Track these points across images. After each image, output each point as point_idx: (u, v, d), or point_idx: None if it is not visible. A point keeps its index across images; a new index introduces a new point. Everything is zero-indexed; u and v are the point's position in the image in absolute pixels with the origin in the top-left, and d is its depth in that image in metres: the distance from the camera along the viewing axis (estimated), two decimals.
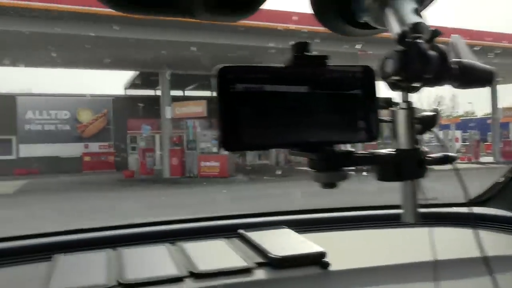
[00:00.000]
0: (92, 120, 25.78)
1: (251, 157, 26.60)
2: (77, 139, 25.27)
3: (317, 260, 0.99)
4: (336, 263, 0.99)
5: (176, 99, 19.51)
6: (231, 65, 0.56)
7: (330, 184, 0.63)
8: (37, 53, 17.08)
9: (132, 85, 26.09)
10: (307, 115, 0.59)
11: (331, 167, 0.62)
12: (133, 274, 0.91)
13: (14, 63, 20.67)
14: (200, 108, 18.04)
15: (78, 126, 25.49)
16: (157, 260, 0.99)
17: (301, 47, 0.60)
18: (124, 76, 26.54)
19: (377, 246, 1.20)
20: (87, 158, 25.02)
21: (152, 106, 23.94)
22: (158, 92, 24.41)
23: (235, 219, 1.32)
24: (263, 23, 15.24)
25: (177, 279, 0.90)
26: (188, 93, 27.10)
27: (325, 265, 0.98)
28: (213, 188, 15.31)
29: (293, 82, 0.59)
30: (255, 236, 1.12)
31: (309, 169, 0.65)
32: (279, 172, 19.64)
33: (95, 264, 0.97)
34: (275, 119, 0.57)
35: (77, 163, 24.59)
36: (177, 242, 1.12)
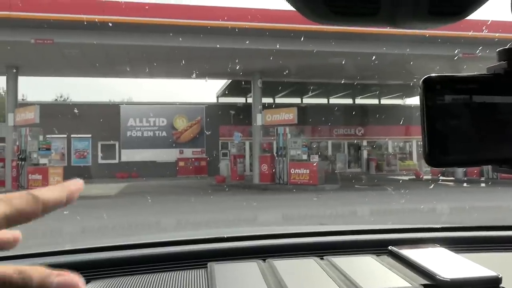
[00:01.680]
0: (187, 127, 27.00)
1: (341, 165, 26.13)
2: (172, 145, 26.60)
3: (492, 285, 0.88)
4: None
5: (266, 106, 19.77)
6: (437, 74, 0.51)
7: None
8: (138, 65, 18.26)
9: (224, 93, 26.93)
10: None
11: None
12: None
13: (117, 75, 22.34)
14: (290, 115, 18.06)
15: (174, 133, 26.83)
16: (312, 275, 0.96)
17: None
18: (217, 84, 27.45)
19: None
20: (181, 163, 26.22)
21: (242, 114, 24.54)
22: (249, 100, 24.96)
23: (380, 234, 1.24)
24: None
25: None
26: (279, 100, 27.36)
27: None
28: (302, 195, 15.23)
29: (505, 92, 0.54)
30: (409, 254, 1.04)
31: None
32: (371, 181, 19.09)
33: (252, 275, 0.96)
34: (485, 133, 0.52)
35: (172, 167, 25.87)
36: (325, 256, 1.07)
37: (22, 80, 19.14)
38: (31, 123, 17.04)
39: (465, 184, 18.56)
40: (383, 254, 1.09)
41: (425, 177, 22.51)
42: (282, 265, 1.00)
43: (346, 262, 1.01)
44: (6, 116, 17.75)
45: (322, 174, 17.78)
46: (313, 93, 27.09)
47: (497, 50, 0.54)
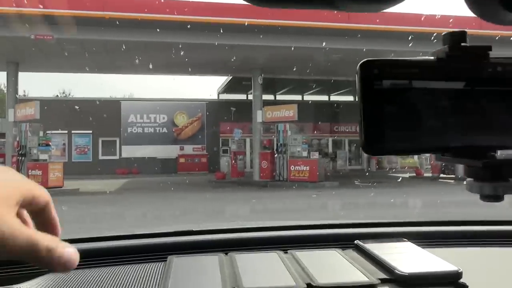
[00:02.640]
0: (188, 123, 27.00)
1: (342, 162, 26.12)
2: (173, 142, 26.61)
3: (452, 280, 0.86)
4: (473, 285, 0.86)
5: (267, 103, 19.76)
6: (375, 58, 0.49)
7: (494, 197, 0.54)
8: (138, 60, 18.26)
9: (225, 89, 26.91)
10: (464, 115, 0.51)
11: (498, 177, 0.53)
12: (249, 282, 0.86)
13: (118, 71, 22.33)
14: (291, 112, 18.05)
15: (175, 129, 26.83)
16: (270, 268, 0.94)
17: (457, 38, 0.52)
18: (218, 81, 27.44)
19: None
20: (182, 160, 26.23)
21: (243, 110, 24.52)
22: (250, 97, 24.94)
23: (348, 228, 1.23)
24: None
25: None
26: (280, 97, 27.34)
27: (463, 287, 0.85)
28: (302, 192, 15.23)
29: (447, 77, 0.51)
30: (374, 248, 1.02)
31: (468, 178, 0.56)
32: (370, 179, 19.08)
33: (209, 268, 0.94)
34: (425, 120, 0.50)
35: (173, 164, 25.88)
36: (289, 250, 1.06)
37: (24, 76, 19.17)
38: (31, 119, 17.06)
39: (465, 182, 18.50)
40: (349, 248, 1.08)
41: (425, 174, 22.48)
42: (243, 258, 0.99)
43: (309, 256, 1.00)
44: (7, 112, 17.79)
45: (322, 171, 17.77)
46: (314, 90, 27.06)
47: (442, 34, 0.52)
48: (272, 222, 1.27)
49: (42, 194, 0.45)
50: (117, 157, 26.11)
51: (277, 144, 18.30)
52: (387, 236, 1.13)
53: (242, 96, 27.54)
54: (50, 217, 0.46)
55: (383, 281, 0.87)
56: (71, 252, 0.42)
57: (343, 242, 1.11)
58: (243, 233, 1.19)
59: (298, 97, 27.77)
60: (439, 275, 0.88)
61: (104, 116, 24.13)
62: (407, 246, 1.06)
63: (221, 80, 26.52)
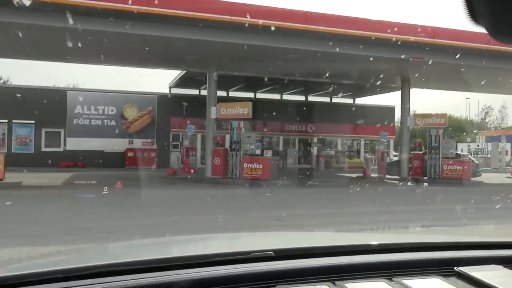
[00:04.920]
0: (137, 117, 26.31)
1: (292, 160, 26.45)
2: (121, 135, 25.85)
3: None
4: None
5: (220, 99, 19.62)
6: None
7: None
8: (87, 50, 17.52)
9: (177, 84, 26.46)
10: None
11: None
12: None
13: (65, 59, 21.32)
14: (245, 110, 18.01)
15: (123, 122, 26.06)
16: None
17: None
18: (170, 74, 26.93)
19: None
20: (130, 154, 25.52)
21: (195, 106, 24.24)
22: (203, 92, 24.67)
23: (441, 251, 1.16)
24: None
25: None
26: (232, 94, 27.24)
27: None
28: (256, 190, 15.28)
29: None
30: (479, 276, 0.98)
31: None
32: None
33: None
34: None
35: (121, 158, 25.14)
36: (395, 278, 0.99)
37: None
38: None
39: (409, 183, 19.33)
40: (450, 275, 1.04)
41: (372, 175, 23.23)
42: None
43: (416, 284, 0.96)
44: None
45: (275, 170, 17.91)
46: (267, 89, 27.20)
47: None
48: (317, 242, 1.19)
49: None
50: (61, 149, 24.99)
51: (230, 141, 18.22)
52: (479, 260, 1.08)
53: (194, 91, 27.20)
54: None
55: None
56: None
57: (441, 267, 1.06)
58: (288, 260, 1.06)
59: (250, 95, 27.80)
60: None
61: (48, 106, 23.00)
62: (508, 274, 1.02)
63: (173, 75, 26.03)
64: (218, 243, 1.57)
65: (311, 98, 29.88)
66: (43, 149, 24.68)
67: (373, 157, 26.44)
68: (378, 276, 1.00)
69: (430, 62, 16.26)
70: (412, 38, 15.81)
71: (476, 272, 1.02)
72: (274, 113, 25.31)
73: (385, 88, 25.90)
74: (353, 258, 1.09)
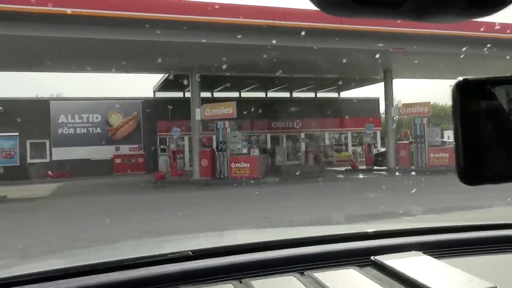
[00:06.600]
0: (123, 122, 26.14)
1: (280, 158, 26.46)
2: (108, 142, 25.65)
3: None
4: None
5: (205, 100, 19.55)
6: (473, 77, 0.44)
7: None
8: (68, 58, 17.36)
9: (161, 87, 26.32)
10: None
11: None
12: None
13: (45, 69, 21.11)
14: (230, 110, 17.97)
15: (109, 129, 25.87)
16: None
17: None
18: (153, 79, 26.77)
19: None
20: (117, 160, 25.36)
21: (181, 108, 24.09)
22: (187, 94, 24.54)
23: (357, 241, 1.16)
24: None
25: None
26: (217, 94, 27.18)
27: None
28: (245, 189, 15.26)
29: None
30: (393, 264, 0.96)
31: None
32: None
33: None
34: None
35: (108, 165, 24.96)
36: (307, 271, 0.98)
37: None
38: None
39: (397, 173, 19.43)
40: (366, 265, 1.02)
41: (360, 167, 23.33)
42: (261, 285, 0.91)
43: (329, 277, 0.93)
44: None
45: (263, 168, 17.91)
46: (251, 87, 27.17)
47: None
48: (278, 236, 1.18)
49: None
50: (47, 159, 24.74)
51: (217, 142, 18.18)
52: (400, 248, 1.07)
53: (179, 94, 27.08)
54: None
55: None
56: None
57: (357, 258, 1.05)
58: (252, 253, 1.06)
59: (235, 94, 27.74)
60: None
61: (31, 117, 22.76)
62: (426, 260, 1.01)
63: (156, 78, 25.90)
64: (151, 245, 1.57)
65: (296, 95, 29.91)
66: (29, 160, 24.41)
67: (361, 149, 26.55)
68: (290, 271, 0.98)
69: (409, 52, 16.36)
70: (391, 29, 15.88)
71: (392, 260, 1.00)
72: (260, 111, 25.30)
73: (368, 80, 26.04)
74: (267, 253, 1.08)
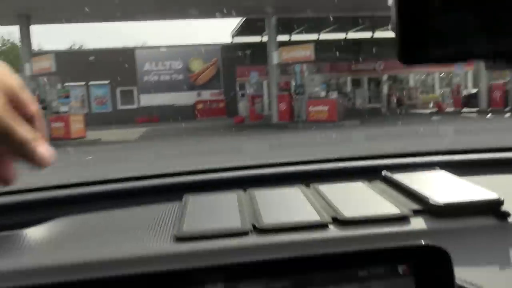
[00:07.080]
0: (203, 69, 26.72)
1: (361, 100, 25.75)
2: (190, 88, 26.50)
3: (492, 208, 0.78)
4: None
5: (283, 44, 19.26)
6: None
7: None
8: (148, 7, 17.81)
9: (239, 32, 26.30)
10: None
11: None
12: (269, 218, 0.80)
13: (128, 18, 21.90)
14: (307, 52, 17.60)
15: (190, 75, 26.63)
16: (293, 204, 0.87)
17: None
18: (231, 24, 26.78)
19: None
20: (200, 106, 26.22)
21: (259, 52, 24.03)
22: (265, 38, 24.35)
23: (375, 160, 1.14)
24: None
25: (320, 226, 0.77)
26: (295, 37, 26.64)
27: (504, 215, 0.77)
28: (321, 133, 15.16)
29: None
30: (404, 178, 0.93)
31: None
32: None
33: (227, 205, 0.88)
34: (476, 17, 0.38)
35: (191, 110, 25.93)
36: (313, 184, 0.99)
37: (35, 30, 18.98)
38: (48, 72, 17.08)
39: (488, 116, 18.12)
40: (377, 179, 1.00)
41: (447, 109, 22.06)
42: (263, 194, 0.92)
43: (333, 189, 0.93)
44: (23, 66, 17.81)
45: (341, 111, 17.56)
46: (331, 28, 26.22)
47: None
48: (292, 157, 1.20)
49: (22, 91, 0.42)
50: (135, 106, 26.24)
51: (295, 85, 18.04)
52: (418, 166, 1.04)
53: (257, 38, 26.93)
54: (30, 111, 0.43)
55: (416, 212, 0.79)
56: (45, 150, 0.42)
57: (370, 174, 1.03)
58: (262, 169, 1.12)
59: (314, 36, 26.99)
60: (477, 204, 0.79)
61: (119, 65, 23.99)
62: (441, 175, 0.97)
63: (234, 23, 25.87)
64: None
65: (377, 35, 28.43)
66: (119, 107, 26.06)
67: (449, 91, 24.95)
68: (296, 184, 0.99)
69: None
70: None
71: (403, 174, 0.96)
72: (340, 54, 24.50)
73: None
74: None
